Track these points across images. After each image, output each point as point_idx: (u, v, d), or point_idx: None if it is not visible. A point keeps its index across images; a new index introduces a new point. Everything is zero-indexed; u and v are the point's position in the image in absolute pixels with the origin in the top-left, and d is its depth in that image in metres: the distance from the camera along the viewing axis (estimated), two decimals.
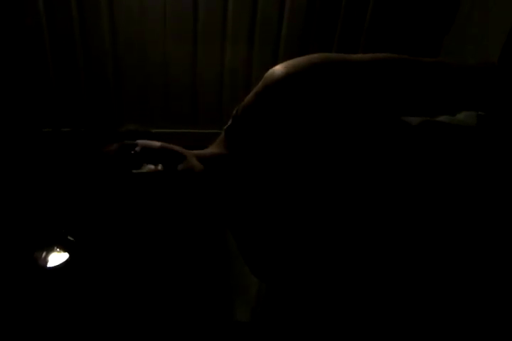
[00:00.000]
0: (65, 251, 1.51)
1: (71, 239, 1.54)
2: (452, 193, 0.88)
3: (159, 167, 0.83)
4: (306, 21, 2.10)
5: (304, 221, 0.93)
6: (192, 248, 1.31)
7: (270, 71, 0.88)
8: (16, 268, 1.44)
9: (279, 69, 0.87)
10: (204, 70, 2.16)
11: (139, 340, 1.28)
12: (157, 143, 0.86)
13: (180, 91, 2.20)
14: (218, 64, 2.16)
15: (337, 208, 0.91)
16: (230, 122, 0.97)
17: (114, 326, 1.30)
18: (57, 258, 1.49)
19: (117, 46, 2.05)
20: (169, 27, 2.03)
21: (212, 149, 1.00)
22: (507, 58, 1.61)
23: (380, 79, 0.87)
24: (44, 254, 1.49)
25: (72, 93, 2.13)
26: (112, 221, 0.92)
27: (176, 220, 0.91)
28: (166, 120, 2.26)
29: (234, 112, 0.95)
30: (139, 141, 0.87)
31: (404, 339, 0.95)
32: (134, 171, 0.82)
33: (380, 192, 0.89)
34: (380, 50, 0.91)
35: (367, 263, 0.93)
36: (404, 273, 0.93)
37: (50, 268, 1.46)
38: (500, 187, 0.87)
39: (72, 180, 1.03)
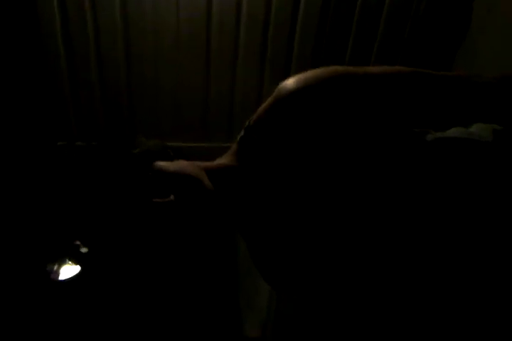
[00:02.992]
0: (76, 263, 1.52)
1: (83, 251, 1.55)
2: (466, 209, 0.87)
3: (171, 197, 0.84)
4: (317, 38, 2.12)
5: (315, 229, 0.93)
6: (202, 263, 1.31)
7: (282, 84, 0.89)
8: (28, 282, 1.45)
9: (290, 82, 0.87)
10: (215, 87, 2.18)
11: None
12: (170, 167, 0.88)
13: (191, 105, 2.23)
14: (229, 79, 2.18)
15: (348, 218, 0.91)
16: (242, 133, 0.97)
17: (125, 338, 1.30)
18: (69, 270, 1.50)
19: (131, 61, 2.08)
20: (182, 44, 2.06)
21: (222, 160, 1.01)
22: None
23: (390, 93, 0.87)
24: (56, 267, 1.50)
25: (87, 107, 2.16)
26: (123, 234, 0.93)
27: (187, 236, 0.91)
28: (177, 134, 2.27)
29: (246, 123, 0.96)
30: (155, 164, 0.88)
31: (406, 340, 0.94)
32: (156, 200, 0.84)
33: (394, 207, 0.88)
34: (392, 65, 0.91)
35: (378, 270, 0.93)
36: (414, 282, 0.92)
37: (62, 281, 1.47)
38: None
39: (85, 194, 1.05)
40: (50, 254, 1.56)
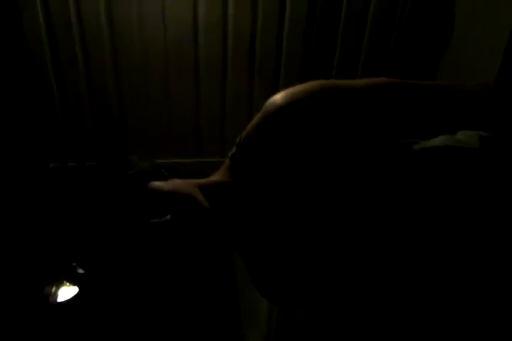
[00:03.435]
0: (74, 284, 1.52)
1: (81, 271, 1.54)
2: (456, 217, 0.88)
3: (168, 217, 0.85)
4: (304, 50, 2.16)
5: (310, 244, 0.94)
6: (201, 277, 1.31)
7: (269, 100, 0.89)
8: (27, 305, 1.44)
9: (277, 98, 0.88)
10: (206, 101, 2.21)
11: None
12: (165, 187, 0.87)
13: (183, 121, 2.25)
14: (219, 95, 2.21)
15: (342, 233, 0.92)
16: (234, 150, 0.98)
17: None
18: (67, 292, 1.49)
19: (120, 80, 2.11)
20: (171, 61, 2.09)
21: (216, 177, 1.01)
22: (503, 79, 1.64)
23: (377, 104, 0.89)
24: (54, 289, 1.49)
25: (78, 128, 2.17)
26: (120, 254, 0.93)
27: (185, 254, 0.92)
28: (170, 150, 2.29)
29: (237, 140, 0.97)
30: (150, 184, 0.88)
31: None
32: (154, 220, 0.85)
33: (383, 220, 0.89)
34: (378, 75, 0.93)
35: (377, 286, 0.93)
36: (415, 288, 0.93)
37: (60, 303, 1.46)
38: (504, 211, 0.87)
39: (80, 215, 1.05)
40: (47, 277, 1.55)
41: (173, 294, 1.32)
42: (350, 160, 0.87)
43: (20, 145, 2.13)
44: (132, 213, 0.86)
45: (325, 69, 2.21)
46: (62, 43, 1.98)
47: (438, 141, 0.93)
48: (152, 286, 1.22)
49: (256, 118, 0.92)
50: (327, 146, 0.87)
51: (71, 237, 1.65)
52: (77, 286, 1.51)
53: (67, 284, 1.52)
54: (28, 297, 1.47)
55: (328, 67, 2.20)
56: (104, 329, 1.38)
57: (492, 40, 1.83)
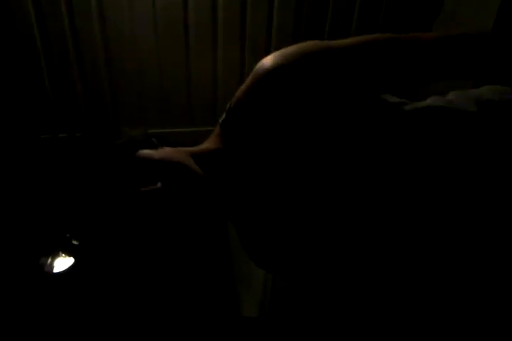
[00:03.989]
0: (70, 255, 1.52)
1: (76, 243, 1.54)
2: (452, 186, 0.86)
3: (159, 184, 0.83)
4: (296, 16, 2.10)
5: (305, 212, 0.93)
6: (195, 245, 1.32)
7: (259, 64, 0.88)
8: (22, 275, 1.45)
9: (267, 61, 0.86)
10: (197, 69, 2.16)
11: (147, 338, 1.28)
12: (156, 155, 0.86)
13: (174, 90, 2.20)
14: (211, 62, 2.15)
15: (336, 200, 0.91)
16: (224, 116, 0.96)
17: (120, 325, 1.31)
18: (62, 263, 1.49)
19: (110, 50, 2.05)
20: (160, 29, 2.03)
21: (207, 144, 1.00)
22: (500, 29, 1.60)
23: (367, 61, 0.86)
24: (50, 260, 1.49)
25: (69, 98, 2.13)
26: (115, 225, 0.93)
27: (179, 222, 0.91)
28: (162, 120, 2.26)
29: (228, 106, 0.95)
30: (139, 153, 0.86)
31: (405, 340, 0.95)
32: (143, 189, 0.82)
33: (377, 183, 0.88)
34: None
35: (369, 257, 0.93)
36: (405, 270, 0.92)
37: (56, 273, 1.46)
38: (504, 180, 0.85)
39: (71, 186, 1.04)
40: (42, 248, 1.55)
41: (167, 263, 1.32)
42: (341, 122, 0.86)
43: (12, 117, 2.10)
44: (121, 182, 0.84)
45: (317, 30, 2.15)
46: (49, 16, 1.92)
47: (429, 102, 0.92)
48: (146, 255, 1.22)
49: (246, 83, 0.90)
50: (318, 108, 0.85)
51: (65, 208, 1.64)
52: (73, 257, 1.51)
53: (63, 255, 1.52)
54: (24, 268, 1.47)
55: (321, 28, 2.15)
56: (100, 299, 1.39)
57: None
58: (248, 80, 0.90)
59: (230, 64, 2.17)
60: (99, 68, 2.08)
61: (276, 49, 0.89)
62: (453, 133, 0.86)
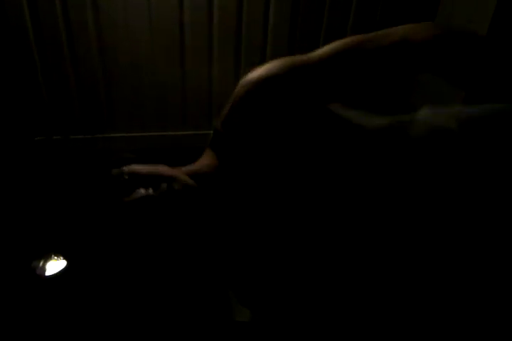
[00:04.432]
0: (63, 258, 1.51)
1: (68, 246, 1.54)
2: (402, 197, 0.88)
3: (150, 191, 0.85)
4: (292, 19, 2.10)
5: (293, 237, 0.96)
6: (189, 247, 1.31)
7: (235, 91, 0.93)
8: (13, 278, 1.44)
9: (240, 89, 0.92)
10: (192, 73, 2.17)
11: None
12: (144, 169, 0.89)
13: (169, 94, 2.20)
14: (206, 65, 2.16)
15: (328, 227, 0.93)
16: (212, 135, 1.00)
17: (112, 328, 1.30)
18: (55, 266, 1.49)
19: (106, 54, 2.05)
20: (156, 33, 2.04)
21: (202, 161, 1.02)
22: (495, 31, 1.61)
23: (332, 75, 0.89)
24: (42, 263, 1.49)
25: (63, 99, 2.12)
26: (109, 232, 0.93)
27: (173, 229, 0.92)
28: (157, 122, 2.26)
29: (214, 124, 0.99)
30: (126, 168, 0.89)
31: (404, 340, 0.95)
32: (126, 199, 0.84)
33: (368, 199, 0.89)
34: None
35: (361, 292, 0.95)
36: (399, 284, 0.93)
37: (48, 276, 1.46)
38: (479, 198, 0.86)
39: (67, 190, 1.05)
40: (34, 250, 1.54)
41: (159, 267, 1.32)
42: (321, 132, 0.87)
43: (5, 119, 2.09)
44: (109, 194, 0.86)
45: (313, 33, 2.16)
46: (44, 18, 1.92)
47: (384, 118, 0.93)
48: (138, 260, 1.21)
49: (226, 107, 0.95)
50: (297, 121, 0.89)
51: (57, 210, 1.64)
52: (66, 260, 1.50)
53: (55, 258, 1.51)
54: (16, 270, 1.47)
55: (317, 30, 2.15)
56: (93, 303, 1.38)
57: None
58: (228, 105, 0.94)
59: (225, 69, 2.17)
60: (94, 70, 2.08)
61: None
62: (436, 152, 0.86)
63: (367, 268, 0.94)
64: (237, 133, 0.94)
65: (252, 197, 0.96)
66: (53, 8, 1.90)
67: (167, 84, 2.17)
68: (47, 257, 1.50)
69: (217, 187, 0.97)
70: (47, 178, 1.95)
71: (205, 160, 1.01)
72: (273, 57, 0.94)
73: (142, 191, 0.85)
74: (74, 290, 1.42)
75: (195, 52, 2.12)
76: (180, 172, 0.92)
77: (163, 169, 0.91)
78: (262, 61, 0.97)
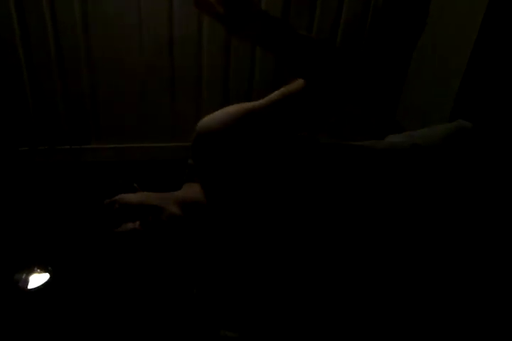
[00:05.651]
0: (45, 271, 1.49)
1: (52, 259, 1.52)
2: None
3: (137, 224, 0.89)
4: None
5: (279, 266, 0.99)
6: (176, 261, 1.31)
7: (197, 127, 1.02)
8: None
9: (199, 126, 1.01)
10: (182, 84, 2.18)
11: None
12: (135, 199, 0.93)
13: (159, 106, 2.21)
14: (195, 78, 2.17)
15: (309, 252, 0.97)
16: (186, 170, 1.06)
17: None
18: (38, 279, 1.47)
19: (93, 63, 2.05)
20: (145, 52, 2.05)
21: (186, 190, 1.07)
22: (483, 43, 1.65)
23: (281, 115, 0.98)
24: (24, 276, 1.46)
25: (48, 111, 2.11)
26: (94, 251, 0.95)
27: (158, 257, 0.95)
28: (143, 133, 2.26)
29: (188, 161, 1.09)
30: (118, 198, 0.93)
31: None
32: (115, 230, 0.89)
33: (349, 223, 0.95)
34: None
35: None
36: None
37: (31, 289, 1.43)
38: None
39: (52, 202, 1.06)
40: (17, 263, 1.52)
41: (145, 282, 1.31)
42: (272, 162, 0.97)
43: None
44: (100, 223, 0.89)
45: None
46: (33, 29, 1.92)
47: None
48: (124, 274, 1.21)
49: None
50: (255, 155, 0.97)
51: (42, 223, 1.62)
52: (49, 273, 1.48)
53: (38, 271, 1.49)
54: None
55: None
56: (76, 317, 1.36)
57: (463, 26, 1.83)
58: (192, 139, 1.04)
59: (215, 78, 2.18)
60: (81, 80, 2.07)
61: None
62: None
63: (362, 285, 0.96)
64: (200, 172, 1.03)
65: (239, 219, 1.00)
66: (43, 19, 1.90)
67: (155, 95, 2.17)
68: (30, 270, 1.48)
69: (206, 215, 1.01)
70: (31, 190, 1.92)
71: (188, 189, 1.06)
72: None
73: (130, 225, 0.89)
74: (56, 304, 1.40)
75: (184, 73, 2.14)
76: (168, 201, 0.95)
77: (151, 199, 0.94)
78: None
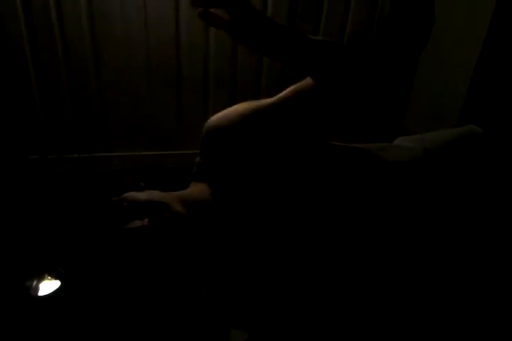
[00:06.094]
0: (56, 278, 1.50)
1: (62, 266, 1.52)
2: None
3: (145, 222, 0.88)
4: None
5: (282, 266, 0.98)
6: (184, 274, 1.31)
7: (205, 125, 1.01)
8: (6, 298, 1.42)
9: (211, 123, 1.00)
10: (189, 89, 2.19)
11: None
12: (143, 196, 0.93)
13: (166, 115, 2.22)
14: (202, 83, 2.19)
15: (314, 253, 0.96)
16: (194, 169, 1.05)
17: None
18: (48, 286, 1.47)
19: (102, 70, 2.07)
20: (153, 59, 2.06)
21: (193, 189, 1.07)
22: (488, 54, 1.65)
23: (290, 113, 0.97)
24: (35, 283, 1.47)
25: (59, 119, 2.13)
26: (104, 255, 0.95)
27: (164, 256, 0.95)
28: (152, 141, 2.27)
29: (196, 159, 1.06)
30: (126, 195, 0.93)
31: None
32: (124, 227, 0.88)
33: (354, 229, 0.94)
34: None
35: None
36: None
37: (41, 296, 1.44)
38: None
39: (62, 210, 1.06)
40: (28, 270, 1.53)
41: (153, 292, 1.31)
42: (290, 166, 0.95)
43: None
44: (109, 220, 0.90)
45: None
46: (43, 42, 1.95)
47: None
48: (133, 284, 1.21)
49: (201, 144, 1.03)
50: (265, 158, 0.96)
51: (52, 230, 1.63)
52: (60, 280, 1.49)
53: (49, 278, 1.50)
54: (9, 290, 1.45)
55: None
56: (86, 324, 1.37)
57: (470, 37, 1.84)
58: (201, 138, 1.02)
59: (221, 85, 2.20)
60: (90, 89, 2.09)
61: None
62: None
63: (366, 285, 0.96)
64: (210, 170, 1.02)
65: (244, 218, 0.99)
66: (51, 30, 1.93)
67: (163, 102, 2.19)
68: (40, 277, 1.48)
69: (211, 213, 1.00)
70: (41, 198, 1.94)
71: (194, 188, 1.06)
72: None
73: (138, 222, 0.89)
74: (67, 311, 1.40)
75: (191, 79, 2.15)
76: (173, 199, 0.95)
77: (157, 197, 0.94)
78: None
